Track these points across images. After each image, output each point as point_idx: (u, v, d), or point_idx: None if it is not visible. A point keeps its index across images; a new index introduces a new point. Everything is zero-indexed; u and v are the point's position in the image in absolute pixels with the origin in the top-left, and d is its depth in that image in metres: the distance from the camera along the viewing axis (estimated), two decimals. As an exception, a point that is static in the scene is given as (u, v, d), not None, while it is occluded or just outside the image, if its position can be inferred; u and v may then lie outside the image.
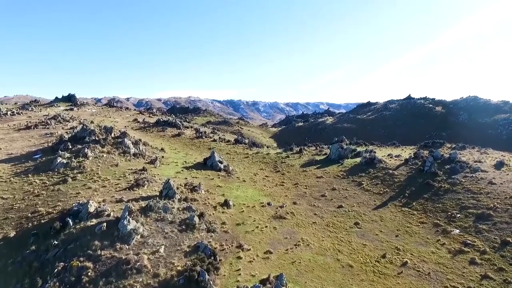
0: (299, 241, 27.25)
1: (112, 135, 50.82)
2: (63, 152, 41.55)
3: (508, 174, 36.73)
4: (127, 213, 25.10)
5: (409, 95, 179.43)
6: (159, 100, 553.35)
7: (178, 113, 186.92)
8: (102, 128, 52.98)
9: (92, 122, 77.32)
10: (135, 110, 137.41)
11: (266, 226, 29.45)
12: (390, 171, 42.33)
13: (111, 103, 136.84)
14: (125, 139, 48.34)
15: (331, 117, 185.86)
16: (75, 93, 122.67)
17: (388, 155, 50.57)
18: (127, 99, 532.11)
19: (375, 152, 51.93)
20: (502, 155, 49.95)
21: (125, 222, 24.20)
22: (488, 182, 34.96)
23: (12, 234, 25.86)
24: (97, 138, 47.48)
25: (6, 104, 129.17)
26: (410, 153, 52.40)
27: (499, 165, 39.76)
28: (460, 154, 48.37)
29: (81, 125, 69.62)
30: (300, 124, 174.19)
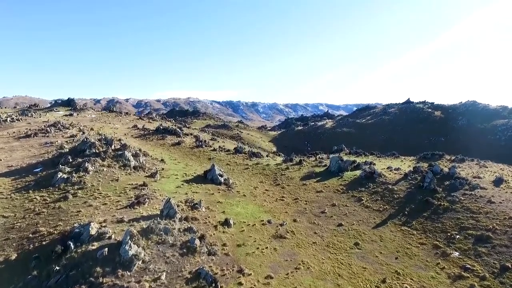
0: (300, 263, 27.35)
1: (113, 147, 50.84)
2: (63, 167, 41.58)
3: (506, 192, 37.00)
4: (128, 237, 25.14)
5: (408, 99, 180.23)
6: (158, 101, 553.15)
7: (177, 116, 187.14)
8: (102, 140, 52.98)
9: (92, 129, 77.46)
10: (134, 115, 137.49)
11: (267, 247, 29.53)
12: (390, 186, 42.51)
13: (111, 107, 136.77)
14: (125, 151, 48.38)
15: (330, 121, 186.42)
16: (75, 95, 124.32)
17: (388, 167, 50.78)
18: (126, 100, 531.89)
19: (374, 164, 52.18)
20: (501, 169, 50.32)
21: (127, 247, 24.27)
22: (487, 200, 35.18)
23: (14, 256, 25.87)
24: (97, 151, 47.51)
25: (5, 107, 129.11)
26: (409, 166, 52.74)
27: (498, 181, 40.00)
28: (459, 167, 48.67)
29: (81, 132, 69.69)
30: (300, 127, 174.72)
